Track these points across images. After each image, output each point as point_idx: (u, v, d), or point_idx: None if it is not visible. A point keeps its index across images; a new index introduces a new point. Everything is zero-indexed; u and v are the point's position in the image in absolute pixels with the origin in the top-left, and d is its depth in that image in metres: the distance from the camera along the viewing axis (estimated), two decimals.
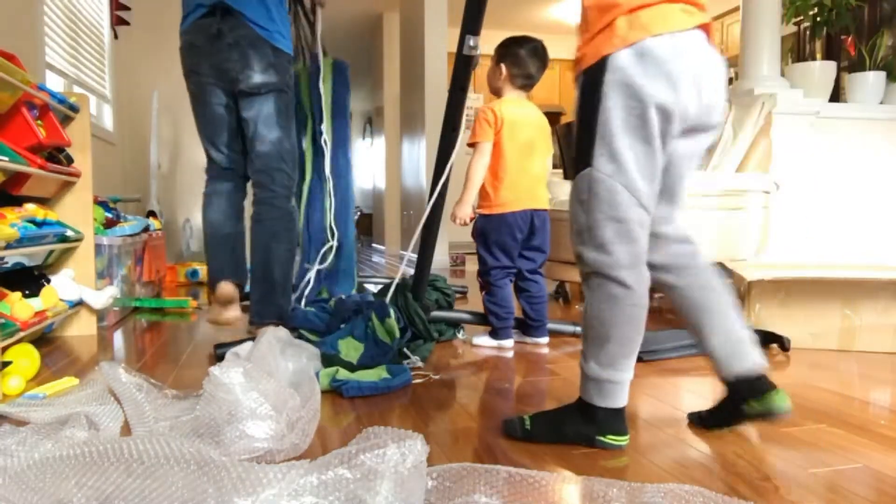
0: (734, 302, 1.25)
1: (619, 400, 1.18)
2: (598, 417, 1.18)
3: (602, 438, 1.19)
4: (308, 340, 1.91)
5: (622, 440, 1.19)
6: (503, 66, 2.11)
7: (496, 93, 2.19)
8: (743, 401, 1.21)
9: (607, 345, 1.16)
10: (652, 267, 1.23)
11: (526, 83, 2.13)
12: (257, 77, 1.94)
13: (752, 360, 1.21)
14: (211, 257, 2.10)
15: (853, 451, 1.19)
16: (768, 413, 1.19)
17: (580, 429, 1.19)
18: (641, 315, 1.16)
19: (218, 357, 1.88)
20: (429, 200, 2.05)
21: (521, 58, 2.09)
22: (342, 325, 1.99)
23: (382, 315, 1.91)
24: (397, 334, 1.86)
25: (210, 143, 2.07)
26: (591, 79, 1.11)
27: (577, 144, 1.14)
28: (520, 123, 2.08)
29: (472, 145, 2.11)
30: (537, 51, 2.12)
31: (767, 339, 2.08)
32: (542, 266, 2.19)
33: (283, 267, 2.04)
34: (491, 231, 2.10)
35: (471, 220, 2.14)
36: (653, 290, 1.22)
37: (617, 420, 1.19)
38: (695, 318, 1.25)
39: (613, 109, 1.08)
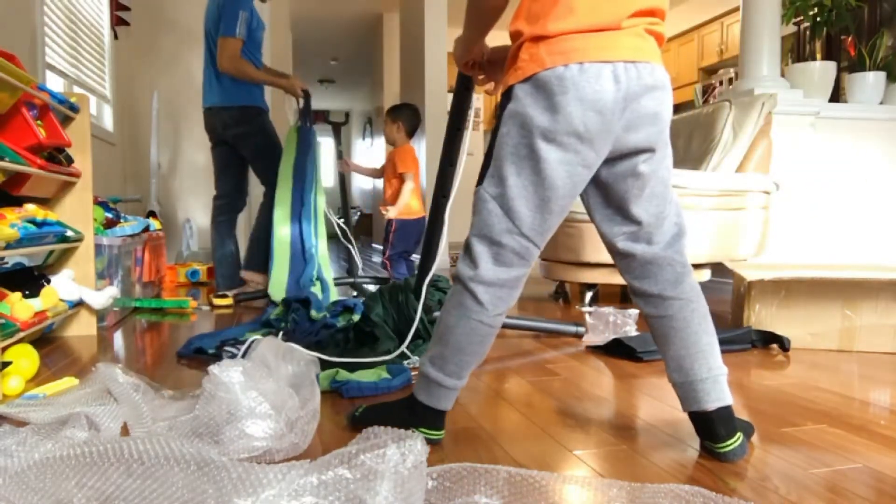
0: (703, 336, 1.18)
1: (443, 404, 1.21)
2: (417, 411, 1.22)
3: (414, 430, 1.20)
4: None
5: (434, 434, 1.22)
6: (400, 123, 3.33)
7: (392, 143, 3.40)
8: (700, 434, 1.20)
9: (444, 349, 1.18)
10: (632, 290, 1.21)
11: (412, 133, 3.41)
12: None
13: (706, 401, 1.16)
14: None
15: (853, 451, 1.19)
16: (718, 457, 1.16)
17: (401, 418, 1.21)
18: (485, 333, 1.17)
19: (218, 357, 1.88)
20: (432, 200, 2.05)
21: (409, 116, 3.36)
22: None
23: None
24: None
25: None
26: (500, 104, 1.16)
27: (483, 162, 1.18)
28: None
29: (402, 174, 3.30)
30: (416, 111, 3.46)
31: (767, 339, 2.08)
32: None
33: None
34: (406, 230, 3.37)
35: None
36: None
37: (434, 417, 1.23)
38: (660, 346, 1.21)
39: (506, 136, 1.11)
